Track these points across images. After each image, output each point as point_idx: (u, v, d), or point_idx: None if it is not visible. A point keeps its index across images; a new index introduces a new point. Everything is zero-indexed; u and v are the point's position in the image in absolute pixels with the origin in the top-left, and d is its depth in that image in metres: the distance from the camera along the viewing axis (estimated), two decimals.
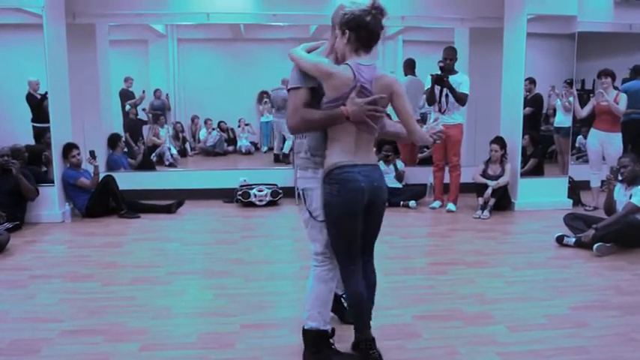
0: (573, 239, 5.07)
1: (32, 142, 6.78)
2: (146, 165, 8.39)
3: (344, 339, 3.07)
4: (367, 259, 2.94)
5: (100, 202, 6.37)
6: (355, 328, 2.92)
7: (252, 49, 11.25)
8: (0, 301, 3.84)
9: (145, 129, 9.69)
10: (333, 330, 2.96)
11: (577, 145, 8.36)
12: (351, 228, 2.76)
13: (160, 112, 10.29)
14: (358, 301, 2.84)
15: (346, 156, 2.70)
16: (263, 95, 11.30)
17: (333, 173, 2.69)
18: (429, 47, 8.94)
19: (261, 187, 7.01)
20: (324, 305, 2.87)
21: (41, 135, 6.61)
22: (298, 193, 3.01)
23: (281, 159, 9.56)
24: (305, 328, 2.90)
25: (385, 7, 2.66)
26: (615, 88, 6.68)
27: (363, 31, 2.64)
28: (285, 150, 9.39)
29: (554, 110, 7.85)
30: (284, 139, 9.53)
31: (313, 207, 2.82)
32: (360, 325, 2.89)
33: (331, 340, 2.94)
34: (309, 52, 2.79)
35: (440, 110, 6.45)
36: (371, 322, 2.92)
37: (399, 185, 7.16)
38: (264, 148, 11.13)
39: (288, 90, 2.72)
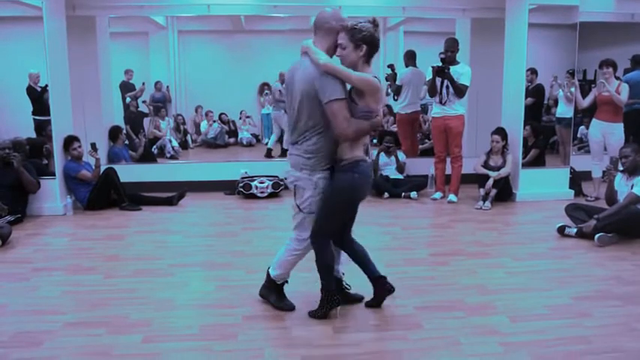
0: (575, 230, 5.07)
1: (33, 135, 6.80)
2: (147, 157, 8.40)
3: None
4: (350, 236, 3.44)
5: (101, 194, 6.37)
6: (325, 287, 3.33)
7: (252, 40, 11.25)
8: (2, 293, 3.85)
9: (146, 121, 9.70)
10: (284, 283, 3.54)
11: (579, 135, 8.34)
12: (350, 212, 3.29)
13: (160, 104, 10.31)
14: (327, 264, 3.28)
15: (362, 153, 3.13)
16: (264, 87, 11.30)
17: (359, 164, 3.10)
18: (430, 38, 8.93)
19: (262, 178, 7.01)
20: (286, 267, 3.47)
21: (42, 128, 6.62)
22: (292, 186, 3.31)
23: (272, 154, 9.45)
24: (269, 270, 3.53)
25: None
26: (617, 78, 6.66)
27: (375, 47, 3.08)
28: (285, 145, 9.35)
29: (556, 101, 7.83)
30: (282, 132, 9.45)
31: (304, 204, 3.20)
32: (330, 283, 3.33)
33: (283, 287, 3.56)
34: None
35: (441, 102, 6.44)
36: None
37: (401, 176, 7.16)
38: (266, 140, 11.13)
39: (330, 100, 2.95)
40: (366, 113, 3.02)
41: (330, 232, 3.25)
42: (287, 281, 3.57)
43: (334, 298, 3.34)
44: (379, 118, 3.09)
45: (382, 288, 3.48)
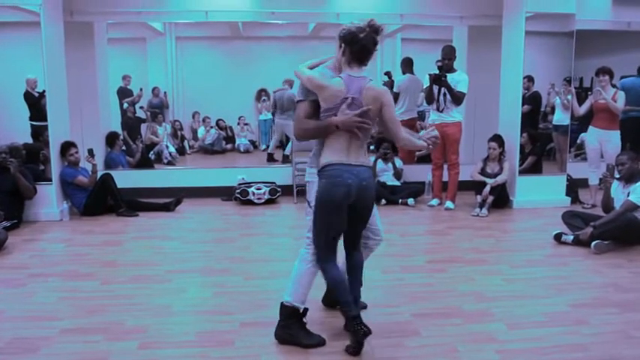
0: (571, 237, 5.08)
1: (30, 140, 6.77)
2: (144, 163, 8.39)
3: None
4: (355, 253, 3.19)
5: (98, 200, 6.36)
6: (342, 308, 3.03)
7: (250, 47, 11.25)
8: None
9: (144, 127, 9.70)
10: (306, 310, 3.17)
11: (578, 141, 8.33)
12: (331, 220, 2.99)
13: (158, 110, 10.30)
14: (335, 285, 3.07)
15: (338, 157, 2.96)
16: (261, 93, 11.31)
17: (324, 169, 2.98)
18: (427, 45, 8.95)
19: (259, 185, 7.01)
20: (304, 285, 3.11)
21: (39, 133, 6.61)
22: (297, 190, 3.22)
23: (282, 159, 9.49)
24: (283, 301, 3.14)
25: (381, 26, 3.01)
26: (613, 85, 6.69)
27: (355, 47, 2.94)
28: (287, 151, 9.35)
29: (552, 108, 7.86)
30: (288, 140, 9.48)
31: (310, 198, 3.12)
32: (347, 304, 3.01)
33: (304, 320, 3.17)
34: (312, 67, 3.07)
35: (438, 109, 6.46)
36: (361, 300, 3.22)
37: (398, 183, 7.17)
38: (263, 146, 11.13)
39: (296, 102, 3.09)
40: (323, 114, 2.97)
41: (323, 247, 3.03)
42: (306, 311, 3.18)
43: (359, 328, 2.94)
44: (334, 118, 2.90)
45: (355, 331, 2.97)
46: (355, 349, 2.98)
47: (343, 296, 3.03)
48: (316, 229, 3.02)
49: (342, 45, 2.97)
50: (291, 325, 3.12)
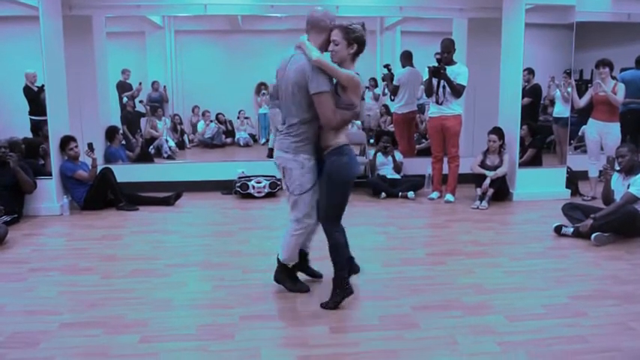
0: (571, 229, 5.08)
1: (29, 134, 6.77)
2: (144, 157, 8.39)
3: None
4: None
5: (98, 194, 6.36)
6: (339, 268, 3.49)
7: (249, 40, 11.23)
8: None
9: (143, 121, 9.69)
10: (294, 266, 3.80)
11: (579, 134, 8.30)
12: (349, 193, 3.46)
13: (157, 104, 10.28)
14: (339, 248, 3.48)
15: (345, 139, 3.43)
16: (261, 87, 11.28)
17: (343, 148, 3.39)
18: (427, 38, 8.93)
19: (259, 178, 7.01)
20: (291, 250, 3.68)
21: (39, 128, 6.60)
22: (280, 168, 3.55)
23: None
24: (280, 258, 3.74)
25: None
26: (613, 78, 6.67)
27: (363, 48, 3.39)
28: (271, 145, 9.29)
29: (551, 101, 7.84)
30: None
31: (293, 185, 3.46)
32: (343, 266, 3.50)
33: (295, 272, 3.84)
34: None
35: (437, 102, 6.44)
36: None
37: (398, 176, 7.17)
38: (263, 140, 11.12)
39: (319, 92, 3.26)
40: (348, 105, 3.33)
41: (337, 215, 3.45)
42: (297, 266, 3.82)
43: (347, 286, 3.49)
44: (358, 109, 3.43)
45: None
46: (335, 304, 3.47)
47: (342, 258, 3.49)
48: (337, 202, 3.41)
49: (355, 45, 3.33)
50: (283, 272, 3.79)
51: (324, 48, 3.40)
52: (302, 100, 3.34)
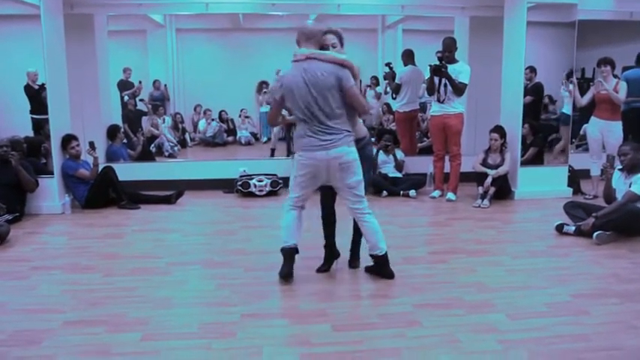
0: (573, 228, 5.08)
1: (31, 133, 6.78)
2: (145, 156, 8.39)
3: None
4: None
5: (99, 193, 6.36)
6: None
7: (251, 38, 11.23)
8: (1, 292, 3.85)
9: (144, 120, 9.69)
10: (288, 248, 3.89)
11: (581, 132, 8.28)
12: None
13: (159, 102, 10.28)
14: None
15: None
16: (262, 85, 11.26)
17: (364, 139, 4.02)
18: (429, 36, 8.92)
19: (260, 177, 7.01)
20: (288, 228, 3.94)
21: (40, 127, 6.61)
22: (342, 167, 3.70)
23: (287, 154, 9.41)
24: (383, 251, 3.95)
25: None
26: (615, 76, 6.66)
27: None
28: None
29: (550, 98, 7.82)
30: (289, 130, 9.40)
31: (359, 171, 3.80)
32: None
33: (292, 256, 3.94)
34: None
35: (439, 100, 6.44)
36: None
37: (399, 175, 7.17)
38: (264, 139, 11.11)
39: (352, 86, 3.69)
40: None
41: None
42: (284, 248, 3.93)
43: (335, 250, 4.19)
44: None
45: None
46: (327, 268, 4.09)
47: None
48: (365, 183, 3.86)
49: (343, 45, 3.88)
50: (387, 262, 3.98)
51: None
52: (340, 99, 3.68)
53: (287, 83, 3.72)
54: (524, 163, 6.79)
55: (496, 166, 6.48)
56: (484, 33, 7.45)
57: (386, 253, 3.91)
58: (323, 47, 3.77)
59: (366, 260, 4.11)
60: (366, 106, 3.93)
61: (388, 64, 8.22)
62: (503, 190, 6.54)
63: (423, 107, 8.78)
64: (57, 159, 6.25)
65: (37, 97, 6.68)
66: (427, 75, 6.56)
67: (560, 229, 5.15)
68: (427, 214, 6.25)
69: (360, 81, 10.04)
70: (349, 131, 3.74)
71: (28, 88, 6.90)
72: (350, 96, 3.70)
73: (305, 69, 3.66)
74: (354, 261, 4.22)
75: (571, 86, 6.88)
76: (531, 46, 6.54)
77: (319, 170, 3.73)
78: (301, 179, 3.83)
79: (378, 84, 10.28)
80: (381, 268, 3.96)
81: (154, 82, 10.67)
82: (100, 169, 6.41)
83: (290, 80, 3.70)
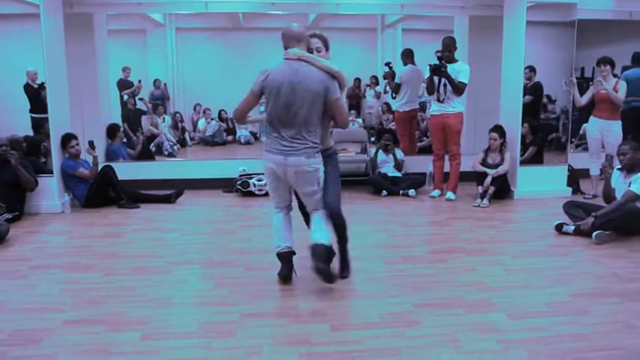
0: (572, 227, 5.08)
1: (31, 132, 6.76)
2: (145, 155, 8.38)
3: None
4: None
5: (99, 192, 6.36)
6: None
7: (250, 38, 11.21)
8: (0, 291, 3.84)
9: (144, 119, 9.68)
10: (286, 252, 3.94)
11: (581, 132, 8.28)
12: None
13: (159, 102, 10.27)
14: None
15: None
16: None
17: (333, 148, 3.93)
18: (428, 35, 8.93)
19: (260, 176, 6.99)
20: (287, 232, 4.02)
21: (40, 126, 6.59)
22: (298, 175, 3.67)
23: None
24: (329, 243, 3.82)
25: None
26: (615, 75, 6.66)
27: None
28: None
29: (549, 98, 7.82)
30: None
31: (320, 180, 3.73)
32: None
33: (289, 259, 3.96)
34: None
35: (439, 100, 6.44)
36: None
37: (399, 174, 7.17)
38: (264, 138, 11.09)
39: (338, 98, 3.66)
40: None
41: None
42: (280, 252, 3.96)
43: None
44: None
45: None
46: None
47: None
48: (339, 190, 3.86)
49: (328, 49, 3.83)
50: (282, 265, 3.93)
51: None
52: (320, 108, 3.61)
53: (274, 78, 3.62)
54: (523, 163, 6.79)
55: (496, 166, 6.48)
56: (484, 32, 7.44)
57: (324, 246, 3.66)
58: (309, 50, 3.71)
59: (355, 268, 4.11)
60: (347, 120, 3.85)
61: (388, 64, 8.22)
62: (502, 190, 6.54)
63: (423, 107, 8.78)
64: (56, 158, 6.24)
65: (36, 96, 6.67)
66: (427, 74, 6.55)
67: (559, 228, 5.15)
68: (427, 213, 6.25)
69: (360, 80, 10.19)
70: (315, 143, 3.64)
71: (27, 87, 6.89)
72: (333, 108, 3.65)
73: (296, 70, 3.57)
74: (343, 271, 3.95)
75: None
76: (531, 46, 6.53)
77: (277, 174, 3.72)
78: (270, 183, 3.93)
79: (377, 83, 10.29)
80: (314, 257, 3.65)
81: (155, 81, 10.67)
82: (99, 169, 6.41)
83: (277, 76, 3.60)
